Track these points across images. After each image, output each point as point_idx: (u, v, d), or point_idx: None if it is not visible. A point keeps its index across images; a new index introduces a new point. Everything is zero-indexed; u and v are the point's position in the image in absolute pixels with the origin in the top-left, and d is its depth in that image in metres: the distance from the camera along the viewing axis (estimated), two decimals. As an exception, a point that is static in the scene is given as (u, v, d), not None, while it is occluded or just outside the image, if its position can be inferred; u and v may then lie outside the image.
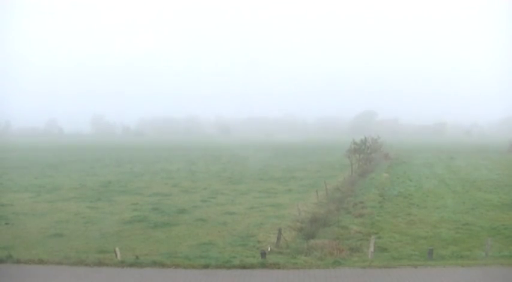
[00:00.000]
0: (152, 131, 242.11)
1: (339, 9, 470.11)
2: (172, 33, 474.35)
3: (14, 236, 18.81)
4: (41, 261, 14.20)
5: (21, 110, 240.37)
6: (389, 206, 26.01)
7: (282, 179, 40.28)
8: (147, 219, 22.35)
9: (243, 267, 13.42)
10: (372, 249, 14.78)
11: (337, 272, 12.98)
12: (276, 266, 13.48)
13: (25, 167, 54.14)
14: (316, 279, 12.44)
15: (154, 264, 13.76)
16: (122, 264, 13.81)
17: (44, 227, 20.70)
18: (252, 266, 13.45)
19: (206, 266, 13.55)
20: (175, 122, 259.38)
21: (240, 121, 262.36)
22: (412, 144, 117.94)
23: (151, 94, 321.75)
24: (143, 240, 18.23)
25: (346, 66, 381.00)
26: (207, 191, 32.98)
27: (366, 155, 55.08)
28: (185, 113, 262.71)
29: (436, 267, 13.35)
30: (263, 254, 14.36)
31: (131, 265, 13.71)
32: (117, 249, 14.58)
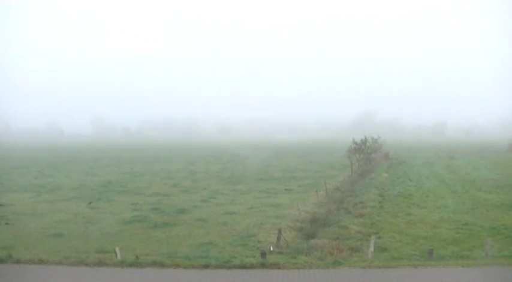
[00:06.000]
0: (152, 131, 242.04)
1: (339, 11, 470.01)
2: (173, 34, 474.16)
3: (14, 236, 18.80)
4: (41, 261, 14.18)
5: (21, 110, 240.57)
6: (389, 206, 26.00)
7: (282, 179, 40.27)
8: (147, 219, 22.34)
9: (243, 267, 13.41)
10: (372, 249, 14.77)
11: (337, 272, 12.97)
12: (276, 266, 13.47)
13: (25, 167, 54.13)
14: (316, 279, 12.43)
15: (154, 264, 13.75)
16: (122, 264, 13.79)
17: (44, 227, 20.68)
18: (252, 266, 13.43)
19: (206, 266, 13.54)
20: (175, 122, 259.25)
21: (240, 121, 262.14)
22: (412, 144, 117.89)
23: (151, 95, 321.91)
24: (143, 240, 18.23)
25: (346, 67, 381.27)
26: (207, 191, 32.98)
27: (366, 154, 55.19)
28: (185, 114, 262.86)
29: (436, 267, 13.34)
30: (263, 254, 14.35)
31: (131, 265, 13.70)
32: (117, 249, 14.57)
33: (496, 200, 27.60)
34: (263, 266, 13.45)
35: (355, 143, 54.48)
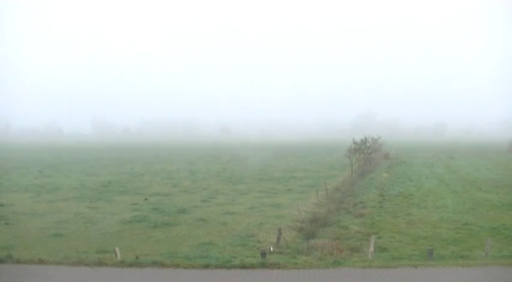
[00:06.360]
0: (152, 132, 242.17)
1: (339, 13, 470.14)
2: (174, 35, 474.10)
3: (14, 236, 18.80)
4: (41, 261, 14.17)
5: (21, 110, 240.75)
6: (389, 206, 25.99)
7: (282, 179, 40.27)
8: (147, 219, 22.34)
9: (243, 267, 13.40)
10: (372, 249, 14.76)
11: (337, 272, 12.97)
12: (276, 266, 13.46)
13: (25, 167, 54.12)
14: (316, 279, 12.42)
15: (154, 264, 13.74)
16: (122, 264, 13.78)
17: (44, 227, 20.68)
18: (252, 266, 13.42)
19: (206, 266, 13.53)
20: (175, 123, 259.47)
21: (240, 122, 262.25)
22: (412, 144, 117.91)
23: (151, 95, 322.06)
24: (143, 240, 18.22)
25: (347, 68, 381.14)
26: (207, 191, 32.98)
27: (366, 155, 55.19)
28: (186, 115, 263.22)
29: (436, 267, 13.33)
30: (263, 254, 14.35)
31: (131, 265, 13.69)
32: (117, 249, 14.56)
33: (496, 200, 27.60)
34: (263, 266, 13.44)
35: (355, 143, 54.47)
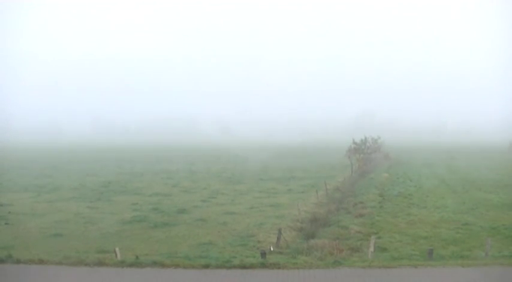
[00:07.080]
0: (152, 131, 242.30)
1: (340, 9, 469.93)
2: (174, 33, 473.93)
3: (14, 236, 18.81)
4: (41, 261, 14.17)
5: (21, 110, 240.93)
6: (389, 206, 26.00)
7: (282, 179, 40.28)
8: (147, 219, 22.34)
9: (243, 267, 13.40)
10: (371, 249, 14.77)
11: (337, 272, 12.97)
12: (276, 266, 13.47)
13: (25, 167, 54.13)
14: (316, 279, 12.42)
15: (154, 264, 13.75)
16: (122, 264, 13.79)
17: (44, 227, 20.68)
18: (252, 266, 13.43)
19: (206, 266, 13.54)
20: (175, 123, 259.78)
21: (240, 122, 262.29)
22: (412, 144, 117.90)
23: (151, 95, 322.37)
24: (143, 240, 18.22)
25: (347, 67, 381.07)
26: (207, 191, 32.99)
27: (366, 155, 55.17)
28: (185, 114, 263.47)
29: (436, 267, 13.33)
30: (263, 254, 14.35)
31: (131, 265, 13.70)
32: (117, 249, 14.57)
33: (496, 200, 27.61)
34: (263, 266, 13.45)
35: (355, 143, 54.47)
